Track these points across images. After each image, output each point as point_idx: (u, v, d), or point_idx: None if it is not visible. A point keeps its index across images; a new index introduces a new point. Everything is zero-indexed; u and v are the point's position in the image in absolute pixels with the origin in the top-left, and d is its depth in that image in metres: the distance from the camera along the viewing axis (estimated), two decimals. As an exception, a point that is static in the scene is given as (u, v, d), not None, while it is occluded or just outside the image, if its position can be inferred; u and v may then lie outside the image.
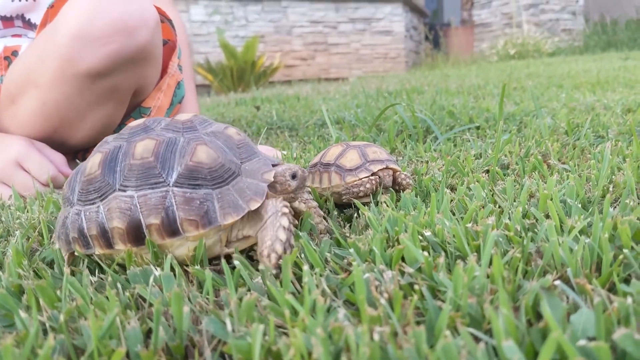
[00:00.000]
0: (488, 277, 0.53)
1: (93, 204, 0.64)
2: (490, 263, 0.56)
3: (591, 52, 7.52)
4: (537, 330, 0.42)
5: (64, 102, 1.17)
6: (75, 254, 0.66)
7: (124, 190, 0.63)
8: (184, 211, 0.61)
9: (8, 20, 1.39)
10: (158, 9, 1.24)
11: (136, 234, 0.61)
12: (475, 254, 0.57)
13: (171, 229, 0.61)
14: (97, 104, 1.20)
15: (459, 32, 9.32)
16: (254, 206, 0.63)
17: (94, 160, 0.65)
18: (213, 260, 0.67)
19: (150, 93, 1.36)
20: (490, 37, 8.98)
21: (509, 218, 0.70)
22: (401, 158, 1.21)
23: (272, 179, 0.68)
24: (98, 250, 0.63)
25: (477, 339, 0.44)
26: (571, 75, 3.47)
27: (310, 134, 1.69)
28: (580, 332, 0.42)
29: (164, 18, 1.34)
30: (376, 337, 0.40)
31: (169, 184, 0.62)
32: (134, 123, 0.70)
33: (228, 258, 0.66)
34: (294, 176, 0.69)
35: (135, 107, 1.37)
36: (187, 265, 0.62)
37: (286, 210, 0.63)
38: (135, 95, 1.32)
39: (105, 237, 0.62)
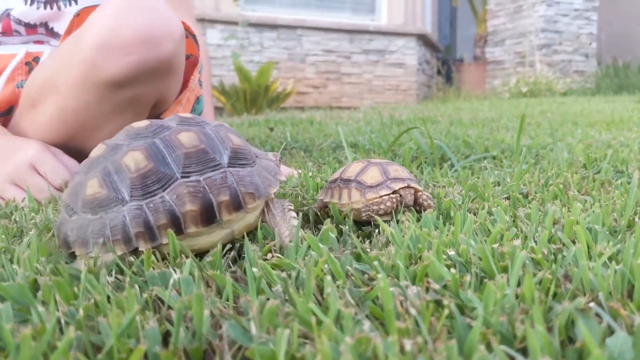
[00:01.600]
0: (517, 297, 0.51)
1: (155, 195, 0.66)
2: (519, 284, 0.55)
3: (603, 94, 7.53)
4: (574, 351, 0.41)
5: (83, 110, 1.17)
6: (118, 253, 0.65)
7: (188, 176, 0.68)
8: (243, 186, 0.71)
9: (31, 28, 1.40)
10: (183, 23, 1.25)
11: (208, 214, 0.67)
12: (503, 275, 0.56)
13: (236, 203, 0.70)
14: (116, 113, 1.20)
15: (472, 68, 9.36)
16: (283, 178, 0.78)
17: (135, 157, 0.67)
18: (229, 268, 0.65)
19: (169, 106, 1.36)
20: (502, 74, 9.01)
21: (535, 242, 0.68)
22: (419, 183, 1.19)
23: (275, 159, 0.81)
24: (164, 240, 0.65)
25: (509, 358, 0.42)
26: (585, 114, 3.47)
27: (324, 156, 1.68)
28: (617, 355, 0.41)
29: (188, 33, 1.34)
30: (408, 348, 0.38)
31: (224, 166, 0.71)
32: (139, 124, 0.73)
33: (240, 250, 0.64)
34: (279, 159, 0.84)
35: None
36: (202, 270, 0.61)
37: (291, 206, 0.77)
38: (154, 108, 1.32)
39: (177, 224, 0.66)
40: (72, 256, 0.68)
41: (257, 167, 0.75)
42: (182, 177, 0.68)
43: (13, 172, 1.12)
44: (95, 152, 0.71)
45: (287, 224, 0.73)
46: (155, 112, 1.34)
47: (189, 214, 0.66)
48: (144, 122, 0.73)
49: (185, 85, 1.38)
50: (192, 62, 1.39)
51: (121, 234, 0.64)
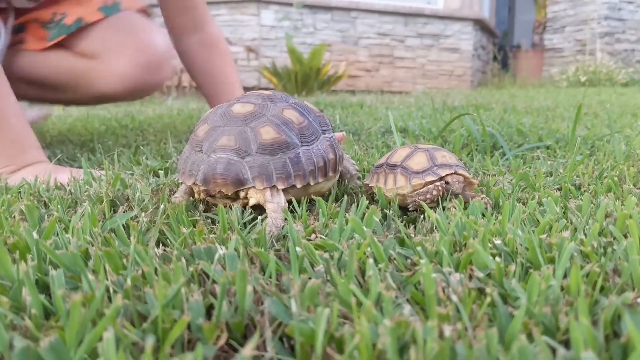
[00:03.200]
0: (563, 289, 0.50)
1: (312, 144, 0.82)
2: (565, 276, 0.54)
3: (667, 86, 7.22)
4: (618, 345, 0.40)
5: None
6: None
7: (325, 133, 0.86)
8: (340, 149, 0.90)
9: None
10: None
11: (336, 164, 0.86)
12: (549, 266, 0.55)
13: (341, 158, 0.89)
14: None
15: (529, 55, 9.10)
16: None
17: (293, 114, 0.83)
18: (273, 246, 0.66)
19: None
20: (560, 62, 8.74)
21: (585, 234, 0.66)
22: (467, 170, 1.18)
23: None
24: (320, 179, 0.82)
25: (551, 349, 0.42)
26: (646, 105, 3.33)
27: (373, 140, 1.68)
28: (665, 354, 0.39)
29: None
30: (447, 333, 0.38)
31: (331, 131, 0.89)
32: (266, 92, 0.88)
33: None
34: None
35: None
36: (247, 247, 0.62)
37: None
38: None
39: (325, 168, 0.83)
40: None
41: None
42: (322, 133, 0.85)
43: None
44: (240, 109, 0.82)
45: (354, 168, 0.98)
46: None
47: (331, 161, 0.84)
48: (267, 91, 0.88)
49: None
50: None
51: (301, 170, 0.79)
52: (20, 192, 0.93)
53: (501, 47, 9.46)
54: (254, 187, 0.77)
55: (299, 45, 6.78)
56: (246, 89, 6.62)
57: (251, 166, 0.77)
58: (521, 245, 0.61)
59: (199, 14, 1.63)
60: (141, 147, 1.55)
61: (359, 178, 0.98)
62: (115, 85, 1.52)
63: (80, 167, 1.27)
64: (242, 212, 0.78)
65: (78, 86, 1.54)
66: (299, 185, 0.79)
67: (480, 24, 7.96)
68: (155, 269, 0.55)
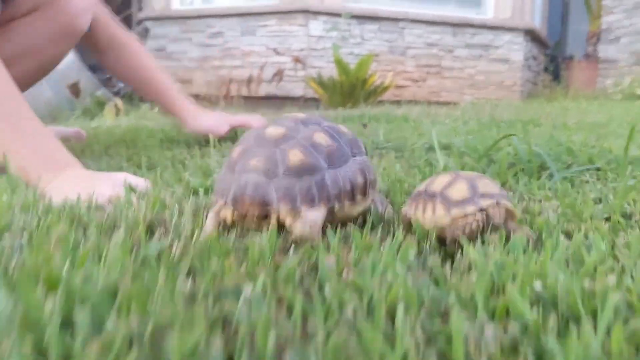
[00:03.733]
0: (604, 347, 0.47)
1: (340, 167, 0.83)
2: (608, 331, 0.50)
3: None
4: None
5: None
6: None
7: (355, 156, 0.87)
8: (373, 172, 0.90)
9: None
10: None
11: (365, 188, 0.85)
12: (591, 317, 0.52)
13: (374, 183, 0.90)
14: None
15: (582, 66, 8.85)
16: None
17: (322, 137, 0.84)
18: (303, 282, 0.64)
19: None
20: (615, 74, 8.46)
21: (632, 278, 0.62)
22: (512, 193, 1.14)
23: None
24: (346, 202, 0.82)
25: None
26: None
27: (416, 158, 1.65)
28: None
29: None
30: (474, 402, 0.36)
31: (364, 153, 0.91)
32: (300, 115, 0.89)
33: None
34: None
35: None
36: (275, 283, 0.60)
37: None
38: None
39: (352, 192, 0.83)
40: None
41: None
42: (352, 155, 0.86)
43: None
44: (272, 132, 0.84)
45: (384, 207, 0.93)
46: None
47: (359, 185, 0.84)
48: (302, 114, 0.90)
49: None
50: None
51: (325, 193, 0.79)
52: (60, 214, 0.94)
53: (553, 57, 9.25)
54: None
55: (346, 56, 6.78)
56: (292, 99, 6.66)
57: (277, 188, 0.78)
58: (562, 290, 0.57)
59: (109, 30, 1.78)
60: (185, 162, 1.57)
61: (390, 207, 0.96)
62: (76, 13, 1.63)
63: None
64: (276, 239, 0.77)
65: (48, 28, 1.61)
66: (322, 209, 0.79)
67: (532, 34, 7.81)
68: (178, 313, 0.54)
